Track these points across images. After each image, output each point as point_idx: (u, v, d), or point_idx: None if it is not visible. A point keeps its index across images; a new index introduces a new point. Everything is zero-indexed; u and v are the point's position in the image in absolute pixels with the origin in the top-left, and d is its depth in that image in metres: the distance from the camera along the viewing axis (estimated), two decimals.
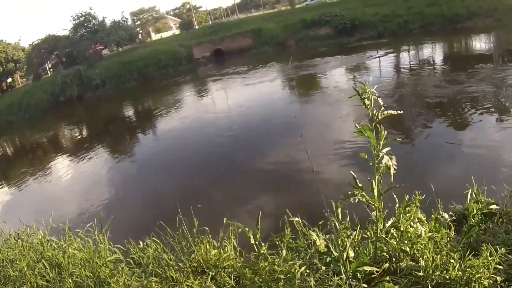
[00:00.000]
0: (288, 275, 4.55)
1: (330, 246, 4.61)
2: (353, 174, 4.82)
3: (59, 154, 26.47)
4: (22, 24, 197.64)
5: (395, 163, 4.34)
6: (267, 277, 4.75)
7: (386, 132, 4.39)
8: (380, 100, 4.46)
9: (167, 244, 6.55)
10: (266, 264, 4.93)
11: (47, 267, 6.29)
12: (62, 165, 23.18)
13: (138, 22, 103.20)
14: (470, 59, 27.45)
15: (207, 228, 6.42)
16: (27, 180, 21.65)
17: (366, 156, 4.54)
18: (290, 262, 4.83)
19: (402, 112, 4.66)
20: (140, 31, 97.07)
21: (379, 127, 4.38)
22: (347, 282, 4.18)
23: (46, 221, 8.21)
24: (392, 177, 4.27)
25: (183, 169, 17.05)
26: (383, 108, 4.42)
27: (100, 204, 15.02)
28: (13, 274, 6.49)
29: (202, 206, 10.91)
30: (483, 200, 5.92)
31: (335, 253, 4.47)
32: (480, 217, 5.51)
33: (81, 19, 62.37)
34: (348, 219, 5.51)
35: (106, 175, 18.81)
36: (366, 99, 4.39)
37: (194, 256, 6.05)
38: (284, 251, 5.24)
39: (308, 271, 4.58)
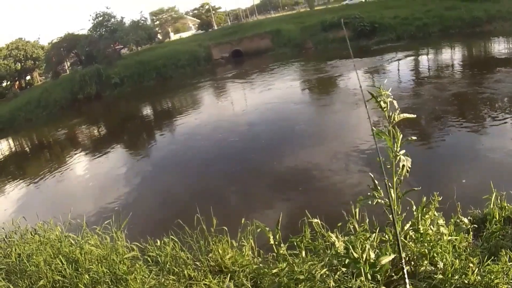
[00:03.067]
0: (308, 276, 4.52)
1: (350, 248, 4.57)
2: (372, 175, 4.79)
3: (77, 151, 26.63)
4: (41, 22, 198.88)
5: (409, 165, 4.34)
6: (287, 278, 4.72)
7: (401, 135, 4.38)
8: (395, 102, 4.44)
9: (185, 242, 6.54)
10: (285, 265, 4.89)
11: (64, 262, 6.30)
12: (79, 162, 23.32)
13: (157, 22, 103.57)
14: (490, 62, 27.24)
15: (225, 228, 6.39)
16: (44, 176, 21.79)
17: (383, 159, 4.51)
18: (309, 263, 4.80)
19: (415, 116, 4.64)
20: (159, 31, 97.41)
21: (393, 130, 4.38)
22: (367, 284, 4.15)
23: (63, 217, 8.24)
24: (405, 176, 4.31)
25: (200, 169, 17.05)
26: (398, 110, 4.41)
27: (117, 202, 15.09)
28: (30, 269, 6.50)
29: (219, 206, 10.90)
30: (505, 205, 5.84)
31: (355, 255, 4.43)
32: (500, 224, 5.46)
33: (100, 18, 62.66)
34: (367, 221, 5.47)
35: (123, 173, 18.88)
36: (382, 102, 4.38)
37: (211, 256, 6.03)
38: (303, 252, 5.21)
39: (327, 272, 4.54)
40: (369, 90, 4.55)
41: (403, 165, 4.36)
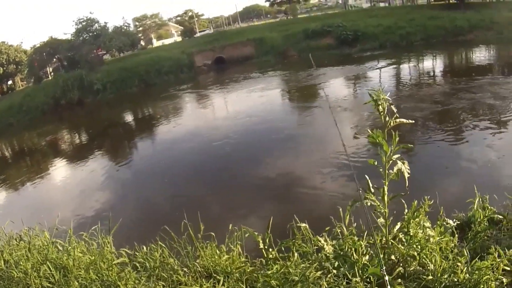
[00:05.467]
0: (302, 279, 4.55)
1: (338, 251, 4.63)
2: (368, 178, 4.85)
3: (59, 157, 26.42)
4: (24, 27, 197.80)
5: (408, 168, 4.40)
6: (280, 280, 4.74)
7: (398, 138, 4.44)
8: (393, 107, 4.49)
9: (173, 248, 6.53)
10: (279, 268, 4.91)
11: (52, 269, 6.24)
12: (62, 169, 23.11)
13: (141, 28, 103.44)
14: (471, 70, 27.67)
15: (213, 234, 6.39)
16: (27, 182, 21.59)
17: (375, 163, 4.57)
18: (302, 266, 4.84)
19: (413, 121, 4.70)
20: (142, 37, 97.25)
21: (393, 132, 4.43)
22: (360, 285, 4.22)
23: (48, 223, 8.18)
24: (407, 182, 4.33)
25: (184, 176, 17.05)
26: (396, 115, 4.46)
27: (102, 208, 14.96)
28: (17, 276, 6.44)
29: (206, 213, 10.92)
30: (488, 207, 5.99)
31: (349, 258, 4.49)
32: (485, 224, 5.58)
33: (84, 23, 62.42)
34: (354, 225, 5.54)
35: (106, 180, 18.79)
36: (380, 106, 4.43)
37: (200, 261, 6.03)
38: (295, 255, 5.24)
39: (319, 274, 4.59)
40: (369, 93, 4.60)
41: (402, 170, 4.41)
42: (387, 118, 4.50)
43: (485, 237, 5.49)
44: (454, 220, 6.03)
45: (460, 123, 16.72)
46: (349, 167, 13.80)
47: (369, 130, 4.60)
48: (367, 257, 4.56)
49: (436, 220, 5.46)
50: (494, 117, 16.49)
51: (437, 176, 12.30)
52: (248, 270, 5.59)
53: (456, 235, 5.36)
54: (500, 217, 5.91)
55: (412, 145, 4.68)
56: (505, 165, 12.28)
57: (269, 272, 4.95)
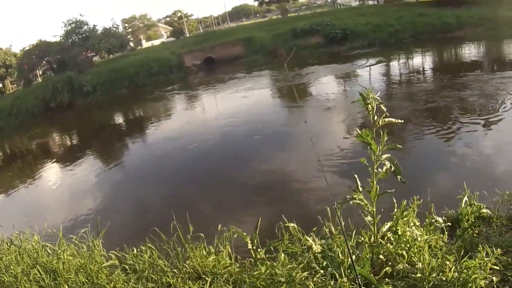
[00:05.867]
0: (288, 279, 4.57)
1: (327, 251, 4.64)
2: (356, 177, 4.87)
3: (50, 160, 26.30)
4: (13, 30, 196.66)
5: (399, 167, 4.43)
6: (267, 281, 4.76)
7: (386, 137, 4.45)
8: (383, 107, 4.52)
9: (162, 250, 6.54)
10: (265, 268, 4.93)
11: (42, 273, 6.25)
12: (53, 172, 23.01)
13: (130, 29, 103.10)
14: (460, 67, 27.72)
15: (202, 235, 6.42)
16: (18, 186, 21.48)
17: (365, 162, 4.59)
18: (289, 266, 4.85)
19: (402, 121, 4.73)
20: (131, 39, 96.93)
21: (381, 132, 4.45)
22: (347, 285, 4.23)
23: (39, 227, 8.17)
24: (385, 178, 4.36)
25: (175, 177, 17.04)
26: (385, 114, 4.48)
27: (92, 211, 14.94)
28: (8, 280, 6.45)
29: (196, 214, 10.94)
30: (476, 204, 6.02)
31: (336, 257, 4.50)
32: (473, 221, 5.64)
33: (73, 25, 62.20)
34: (343, 224, 5.55)
35: (97, 182, 18.72)
36: (369, 105, 4.45)
37: (189, 262, 6.04)
38: (282, 255, 5.26)
39: (306, 274, 4.60)
40: (359, 91, 4.62)
41: (387, 169, 4.44)
42: (375, 117, 4.53)
43: (475, 234, 5.50)
44: (444, 217, 6.08)
45: (451, 119, 16.74)
46: (338, 166, 13.95)
47: (357, 130, 4.60)
48: (354, 256, 4.57)
49: (426, 218, 5.52)
50: (484, 114, 16.53)
51: (429, 173, 12.36)
52: (235, 271, 5.61)
53: (446, 233, 5.41)
54: (490, 213, 5.97)
55: (401, 146, 4.69)
56: (496, 161, 12.35)
57: (256, 273, 4.98)
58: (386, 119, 4.46)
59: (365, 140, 4.43)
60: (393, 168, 4.42)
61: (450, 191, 8.20)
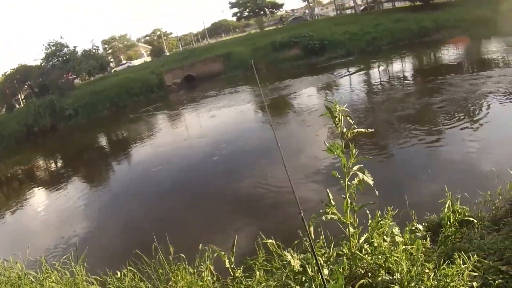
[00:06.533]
0: None
1: (306, 266, 4.62)
2: (328, 191, 4.86)
3: (34, 186, 26.08)
4: None
5: (371, 177, 4.41)
6: None
7: (357, 151, 4.45)
8: (349, 119, 4.52)
9: (144, 272, 6.52)
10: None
11: None
12: (36, 197, 22.81)
13: (110, 50, 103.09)
14: (439, 70, 27.96)
15: (183, 255, 6.40)
16: (2, 213, 21.33)
17: (337, 174, 4.59)
18: (263, 284, 4.84)
19: (373, 130, 4.72)
20: (112, 59, 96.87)
21: (350, 144, 4.45)
22: None
23: (23, 254, 8.12)
24: (375, 190, 4.35)
25: (156, 197, 16.95)
26: (353, 126, 4.48)
27: (76, 235, 14.84)
28: None
29: (178, 234, 10.94)
30: (458, 209, 6.02)
31: (310, 273, 4.48)
32: (455, 224, 5.63)
33: (53, 48, 62.09)
34: (322, 237, 5.53)
35: (80, 206, 18.57)
36: (336, 118, 4.45)
37: (171, 284, 6.03)
38: (257, 273, 5.25)
39: None
40: (325, 104, 4.63)
41: (362, 181, 4.44)
42: (344, 129, 4.55)
43: (457, 238, 5.50)
44: (424, 224, 6.10)
45: (433, 123, 16.88)
46: (320, 174, 13.98)
47: (326, 143, 4.61)
48: (326, 271, 4.55)
49: (406, 225, 5.52)
50: (464, 116, 16.69)
51: (410, 178, 12.44)
52: None
53: (428, 238, 5.41)
54: (472, 215, 5.98)
55: (371, 157, 4.72)
56: (478, 163, 12.44)
57: None
58: (355, 131, 4.47)
59: (334, 153, 4.45)
60: (365, 177, 4.42)
61: (434, 196, 8.21)
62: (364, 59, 41.37)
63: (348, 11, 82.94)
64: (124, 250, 10.59)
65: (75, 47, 64.75)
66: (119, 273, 6.70)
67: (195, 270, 6.13)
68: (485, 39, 37.01)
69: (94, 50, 66.90)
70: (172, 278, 6.03)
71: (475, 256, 4.27)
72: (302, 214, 3.94)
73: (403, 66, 34.58)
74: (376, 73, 34.45)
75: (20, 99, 68.59)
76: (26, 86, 66.45)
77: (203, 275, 5.96)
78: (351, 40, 48.02)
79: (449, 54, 35.67)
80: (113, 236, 14.13)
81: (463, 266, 4.17)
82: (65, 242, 14.37)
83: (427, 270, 4.33)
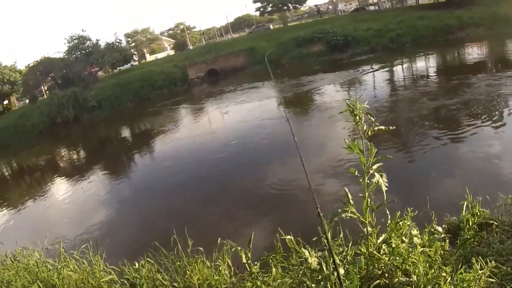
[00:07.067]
0: None
1: (322, 264, 4.58)
2: (347, 190, 4.81)
3: (56, 176, 26.37)
4: (18, 46, 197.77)
5: (386, 180, 4.33)
6: None
7: (376, 150, 4.39)
8: (370, 116, 4.45)
9: (162, 264, 6.54)
10: (251, 285, 4.92)
11: None
12: (58, 187, 23.06)
13: (133, 44, 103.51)
14: (463, 69, 27.66)
15: (201, 248, 6.40)
16: (24, 202, 21.55)
17: (356, 173, 4.54)
18: (278, 281, 4.82)
19: (394, 127, 4.65)
20: (135, 52, 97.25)
21: (369, 144, 4.39)
22: None
23: (42, 243, 8.20)
24: (384, 194, 4.26)
25: (177, 190, 16.98)
26: (374, 124, 4.41)
27: (95, 226, 14.91)
28: None
29: (197, 227, 10.94)
30: (478, 212, 5.92)
31: (326, 271, 4.44)
32: (475, 227, 5.53)
33: (75, 41, 62.54)
34: (341, 235, 5.48)
35: (102, 197, 18.69)
36: (357, 116, 4.39)
37: (187, 277, 6.03)
38: (274, 269, 5.24)
39: None
40: (347, 102, 4.57)
41: (379, 183, 4.37)
42: (365, 127, 4.49)
43: (475, 242, 5.40)
44: (444, 226, 6.01)
45: (455, 123, 16.65)
46: (340, 171, 13.88)
47: (345, 141, 4.55)
48: (342, 270, 4.50)
49: (425, 227, 5.45)
50: (488, 116, 16.44)
51: (430, 178, 12.27)
52: (223, 287, 5.59)
53: (447, 241, 5.34)
54: (492, 219, 5.87)
55: (391, 157, 4.64)
56: (501, 165, 12.26)
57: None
58: (376, 128, 4.41)
59: (354, 151, 4.39)
60: (380, 181, 4.35)
61: (454, 197, 8.10)
62: (387, 56, 40.95)
63: (372, 8, 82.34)
64: (143, 242, 10.63)
65: (97, 40, 65.32)
66: (136, 264, 6.73)
67: (212, 264, 6.13)
68: (509, 38, 36.46)
69: (117, 43, 67.22)
70: (189, 271, 6.04)
71: (493, 262, 4.23)
72: (319, 209, 3.91)
73: (426, 64, 34.08)
74: (400, 70, 34.12)
75: (43, 91, 69.30)
76: (49, 78, 67.16)
77: (220, 268, 5.97)
78: (375, 37, 47.76)
79: (473, 52, 35.19)
80: (132, 228, 14.22)
81: (480, 272, 4.12)
82: (84, 232, 14.45)
83: (444, 274, 4.28)
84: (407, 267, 4.54)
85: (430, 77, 28.26)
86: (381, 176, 4.33)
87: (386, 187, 4.30)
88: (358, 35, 48.78)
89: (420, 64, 35.00)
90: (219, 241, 6.43)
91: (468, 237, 5.32)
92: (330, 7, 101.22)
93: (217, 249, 6.39)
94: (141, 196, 17.71)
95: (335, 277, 4.30)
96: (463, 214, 5.90)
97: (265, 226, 11.43)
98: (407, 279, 4.43)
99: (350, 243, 5.23)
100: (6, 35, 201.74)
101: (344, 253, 4.87)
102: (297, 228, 6.33)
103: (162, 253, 6.62)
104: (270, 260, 5.56)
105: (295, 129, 5.29)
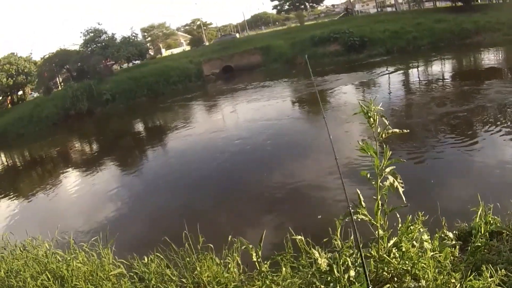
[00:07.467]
0: None
1: (333, 265, 4.56)
2: (359, 192, 4.78)
3: (68, 167, 26.51)
4: (34, 37, 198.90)
5: (401, 181, 4.30)
6: None
7: (391, 152, 4.37)
8: (385, 119, 4.42)
9: (171, 260, 6.54)
10: (261, 284, 4.91)
11: (50, 279, 6.27)
12: (70, 179, 23.15)
13: (149, 38, 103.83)
14: (479, 74, 27.50)
15: (211, 245, 6.39)
16: (35, 193, 21.69)
17: (368, 175, 4.50)
18: (288, 281, 4.81)
19: (408, 131, 4.62)
20: (151, 47, 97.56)
21: (384, 146, 4.36)
22: None
23: (52, 234, 8.22)
24: (403, 196, 4.25)
25: (190, 187, 16.98)
26: (388, 126, 4.38)
27: (106, 219, 14.97)
28: (16, 285, 6.49)
29: (208, 223, 10.92)
30: (490, 219, 5.86)
31: (336, 273, 4.43)
32: (486, 237, 5.48)
33: (91, 34, 62.79)
34: (352, 237, 5.45)
35: (113, 190, 18.73)
36: (371, 118, 4.36)
37: (196, 273, 6.03)
38: (283, 269, 5.22)
39: None
40: (360, 103, 4.55)
41: (395, 185, 4.34)
42: (378, 130, 4.46)
43: (486, 250, 5.37)
44: (455, 231, 5.97)
45: (470, 128, 16.58)
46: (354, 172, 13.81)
47: (359, 142, 4.53)
48: (352, 273, 4.48)
49: (436, 232, 5.41)
50: (503, 123, 16.25)
51: (442, 183, 12.21)
52: (233, 284, 5.58)
53: (458, 247, 5.30)
54: (503, 227, 5.81)
55: (404, 160, 4.60)
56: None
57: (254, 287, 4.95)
58: (390, 131, 4.37)
59: (367, 152, 4.36)
60: (395, 183, 4.32)
61: (466, 203, 8.04)
62: (403, 58, 40.73)
63: (389, 9, 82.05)
64: (153, 236, 10.65)
65: (113, 34, 65.52)
66: (146, 258, 6.73)
67: (221, 261, 6.12)
68: None
69: (133, 37, 67.37)
70: (198, 267, 6.03)
71: (503, 270, 4.21)
72: (350, 207, 3.90)
73: (442, 68, 33.95)
74: (415, 73, 33.93)
75: (58, 83, 69.62)
76: (64, 70, 67.47)
77: (229, 266, 5.96)
78: (391, 38, 47.52)
79: (489, 57, 35.02)
80: (142, 222, 14.25)
81: (490, 280, 4.10)
82: (95, 224, 14.50)
83: (453, 280, 4.28)
84: (417, 272, 4.53)
85: (444, 81, 28.12)
86: (396, 177, 4.31)
87: (402, 188, 4.29)
88: (374, 36, 48.66)
89: (436, 67, 34.81)
90: (229, 239, 6.43)
91: (479, 244, 5.28)
92: (348, 7, 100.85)
93: (227, 247, 6.38)
94: (152, 191, 17.74)
95: (345, 280, 4.29)
96: (476, 221, 5.84)
97: (276, 226, 11.42)
98: (416, 284, 4.42)
99: (361, 245, 5.21)
100: (22, 26, 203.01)
101: (354, 255, 4.83)
102: (308, 229, 6.32)
103: (172, 248, 6.62)
104: (280, 260, 5.54)
105: (327, 128, 5.29)
